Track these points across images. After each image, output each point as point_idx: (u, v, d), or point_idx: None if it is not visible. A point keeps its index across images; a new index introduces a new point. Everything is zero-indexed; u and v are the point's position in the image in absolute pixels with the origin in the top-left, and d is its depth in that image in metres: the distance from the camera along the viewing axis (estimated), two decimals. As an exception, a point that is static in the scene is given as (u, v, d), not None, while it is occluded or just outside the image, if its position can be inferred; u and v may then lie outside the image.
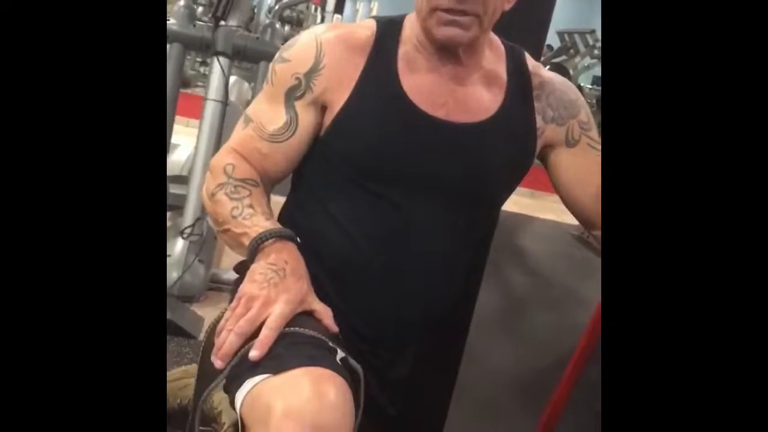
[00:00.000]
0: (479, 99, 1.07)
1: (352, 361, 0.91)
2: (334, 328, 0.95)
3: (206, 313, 2.32)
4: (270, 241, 0.97)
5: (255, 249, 0.96)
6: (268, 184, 1.08)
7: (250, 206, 1.00)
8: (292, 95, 1.04)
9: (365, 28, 1.07)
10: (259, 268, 0.94)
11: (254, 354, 0.85)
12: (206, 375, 0.94)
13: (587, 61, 8.15)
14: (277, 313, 0.89)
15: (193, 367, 1.45)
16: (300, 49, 1.06)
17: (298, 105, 1.04)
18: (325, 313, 0.95)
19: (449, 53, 1.05)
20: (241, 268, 1.10)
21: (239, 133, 1.08)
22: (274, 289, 0.91)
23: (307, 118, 1.05)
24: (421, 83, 1.04)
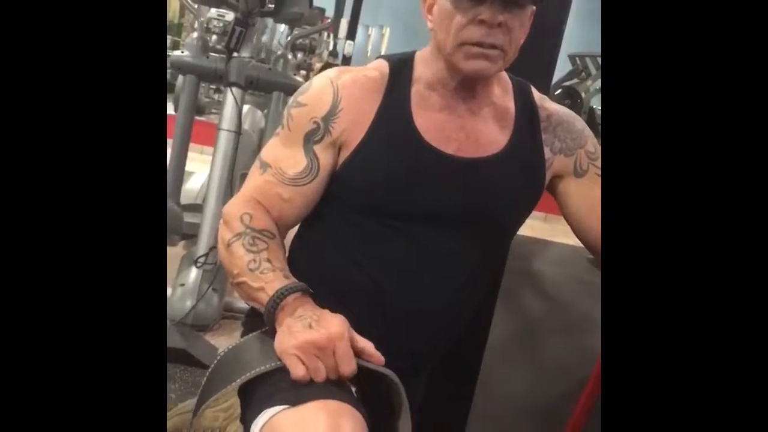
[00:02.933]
0: (489, 133, 1.09)
1: (385, 371, 0.92)
2: (380, 359, 0.93)
3: (220, 342, 2.32)
4: (291, 297, 0.95)
5: (275, 307, 0.94)
6: (283, 231, 1.07)
7: (268, 260, 0.99)
8: (311, 139, 1.05)
9: (377, 70, 1.09)
10: (291, 323, 0.91)
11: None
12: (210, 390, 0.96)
13: (599, 83, 8.15)
14: (342, 349, 0.88)
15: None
16: (316, 93, 1.07)
17: (318, 148, 1.05)
18: (367, 344, 0.93)
19: (465, 88, 1.06)
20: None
21: (256, 181, 1.07)
22: (321, 328, 0.89)
23: (326, 160, 1.06)
24: (433, 120, 1.06)
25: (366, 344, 0.92)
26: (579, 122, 1.17)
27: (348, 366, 0.88)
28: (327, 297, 0.99)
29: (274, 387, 0.89)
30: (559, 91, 7.83)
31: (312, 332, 0.88)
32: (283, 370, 0.89)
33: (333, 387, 0.87)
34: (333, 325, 0.89)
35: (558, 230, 5.63)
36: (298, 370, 0.87)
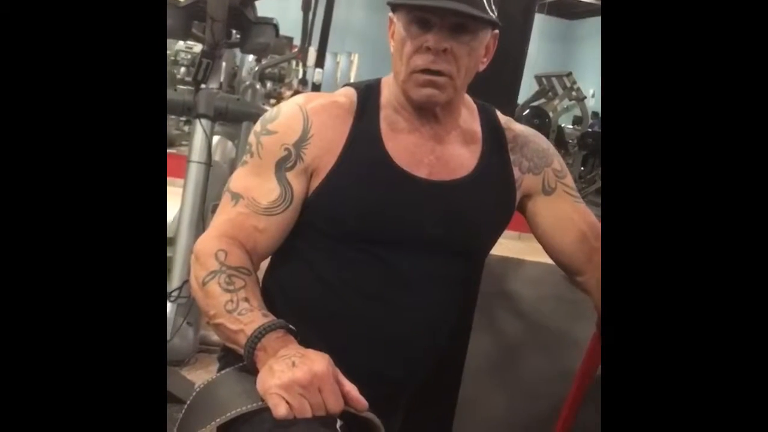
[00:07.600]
0: (459, 156, 1.10)
1: (368, 415, 0.91)
2: (364, 405, 0.90)
3: (197, 377, 2.29)
4: (273, 336, 0.92)
5: (253, 347, 0.91)
6: (257, 262, 1.05)
7: (246, 299, 0.95)
8: (282, 166, 1.04)
9: (345, 96, 1.10)
10: (273, 364, 0.88)
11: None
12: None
13: (566, 102, 8.29)
14: (329, 387, 0.87)
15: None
16: (286, 119, 1.06)
17: (290, 176, 1.04)
18: (351, 388, 0.90)
19: (427, 113, 1.08)
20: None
21: (228, 214, 1.04)
22: (304, 366, 0.87)
23: (299, 187, 1.05)
24: (403, 145, 1.07)
25: (350, 388, 0.90)
26: (544, 141, 1.19)
27: (336, 404, 0.87)
28: (303, 326, 0.98)
29: (258, 427, 0.88)
30: (527, 111, 7.93)
31: (295, 370, 0.86)
32: (266, 410, 0.86)
33: (316, 424, 0.86)
34: (316, 363, 0.87)
35: (532, 248, 5.65)
36: (280, 409, 0.84)
